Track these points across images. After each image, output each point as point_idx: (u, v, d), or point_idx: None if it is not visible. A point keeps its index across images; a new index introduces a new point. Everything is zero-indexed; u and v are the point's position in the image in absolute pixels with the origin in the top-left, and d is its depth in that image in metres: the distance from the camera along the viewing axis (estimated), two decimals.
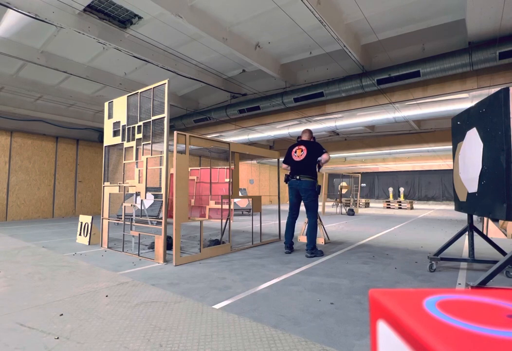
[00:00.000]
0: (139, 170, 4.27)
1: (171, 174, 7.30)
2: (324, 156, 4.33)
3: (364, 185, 24.53)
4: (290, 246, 4.49)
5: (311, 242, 4.24)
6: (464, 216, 10.52)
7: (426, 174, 23.40)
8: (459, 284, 3.01)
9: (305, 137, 4.58)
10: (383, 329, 0.36)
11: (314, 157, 4.35)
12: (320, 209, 12.92)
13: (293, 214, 4.56)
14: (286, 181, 4.52)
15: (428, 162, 17.53)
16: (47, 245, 4.94)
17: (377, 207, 19.14)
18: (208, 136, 10.04)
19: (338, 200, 12.87)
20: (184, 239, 5.62)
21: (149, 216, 4.32)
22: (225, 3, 4.52)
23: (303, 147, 4.41)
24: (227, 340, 1.80)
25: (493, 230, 6.07)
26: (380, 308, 0.37)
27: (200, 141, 4.24)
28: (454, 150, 3.52)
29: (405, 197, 23.10)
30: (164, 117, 3.95)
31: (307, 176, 4.29)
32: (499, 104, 2.48)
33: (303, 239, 5.57)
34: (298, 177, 4.31)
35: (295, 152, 4.47)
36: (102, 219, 4.87)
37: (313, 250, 4.22)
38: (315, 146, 4.42)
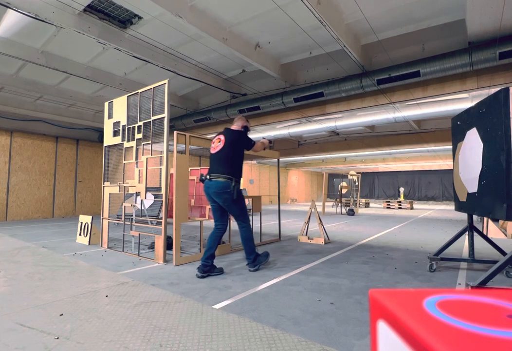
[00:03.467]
0: (139, 170, 4.27)
1: (171, 174, 7.30)
2: (255, 148, 3.55)
3: None
4: (203, 267, 3.20)
5: (250, 251, 3.40)
6: (464, 216, 10.52)
7: (426, 174, 23.42)
8: (459, 284, 3.01)
9: (233, 126, 3.58)
10: (383, 329, 0.36)
11: (235, 150, 3.36)
12: (320, 209, 12.94)
13: (217, 223, 3.44)
14: (201, 180, 3.42)
15: (428, 162, 17.53)
16: (47, 245, 4.94)
17: (377, 207, 19.14)
18: (208, 136, 10.04)
19: (338, 200, 12.87)
20: (184, 239, 5.62)
21: (149, 216, 4.32)
22: (225, 3, 4.52)
23: (221, 137, 3.42)
24: (227, 340, 1.80)
25: (493, 230, 6.07)
26: (380, 308, 0.37)
27: (200, 141, 4.24)
28: (454, 150, 3.52)
29: (405, 197, 23.14)
30: (164, 117, 3.95)
31: (219, 174, 3.26)
32: (499, 104, 2.48)
33: (303, 239, 5.57)
34: (209, 177, 3.32)
35: (213, 143, 3.51)
36: (102, 219, 4.87)
37: (254, 261, 3.41)
38: (239, 136, 3.42)
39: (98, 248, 4.77)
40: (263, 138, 3.74)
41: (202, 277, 3.19)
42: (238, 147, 3.38)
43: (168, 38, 5.41)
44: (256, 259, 3.42)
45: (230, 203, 3.29)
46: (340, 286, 2.90)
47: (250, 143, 3.48)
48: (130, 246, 4.56)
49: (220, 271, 3.37)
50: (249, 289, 2.80)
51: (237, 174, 3.34)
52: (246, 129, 3.58)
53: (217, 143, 3.42)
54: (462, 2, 4.27)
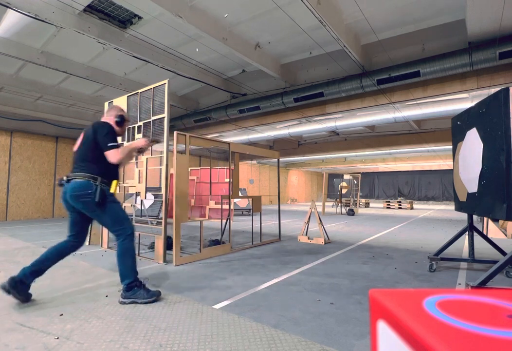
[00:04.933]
0: (139, 170, 4.27)
1: (171, 174, 7.30)
2: (108, 154, 2.47)
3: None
4: (17, 284, 2.31)
5: (126, 273, 2.47)
6: (464, 216, 10.52)
7: (426, 174, 23.42)
8: (459, 284, 3.01)
9: (104, 117, 2.79)
10: (383, 329, 0.36)
11: (94, 145, 2.52)
12: (320, 209, 12.93)
13: (70, 234, 2.59)
14: (59, 185, 2.58)
15: (428, 162, 17.54)
16: (47, 245, 4.94)
17: (377, 207, 19.14)
18: (208, 136, 10.04)
19: (338, 200, 12.87)
20: (184, 239, 5.62)
21: (149, 216, 4.32)
22: (225, 3, 4.52)
23: (84, 131, 2.69)
24: (227, 340, 1.81)
25: (493, 230, 6.07)
26: (380, 308, 0.37)
27: (200, 141, 4.24)
28: (454, 150, 3.52)
29: (405, 197, 23.20)
30: (164, 117, 3.95)
31: (78, 173, 2.49)
32: (499, 104, 2.48)
33: (303, 239, 5.57)
34: (65, 177, 2.54)
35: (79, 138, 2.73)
36: None
37: (130, 290, 2.43)
38: (99, 129, 2.55)
39: (98, 248, 4.77)
40: (142, 138, 2.82)
41: (25, 300, 2.40)
42: (97, 141, 2.54)
43: (168, 38, 5.41)
44: (133, 289, 2.44)
45: (94, 209, 2.47)
46: (340, 286, 2.90)
47: (106, 145, 2.47)
48: None
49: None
50: (249, 289, 2.80)
51: (105, 173, 2.54)
52: (121, 119, 2.72)
53: (79, 139, 2.68)
54: (462, 2, 4.27)
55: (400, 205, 17.12)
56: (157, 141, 2.92)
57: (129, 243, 2.56)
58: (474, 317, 0.33)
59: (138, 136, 4.32)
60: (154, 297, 2.46)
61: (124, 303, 2.41)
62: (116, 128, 2.69)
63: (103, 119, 2.74)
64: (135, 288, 2.44)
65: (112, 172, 2.60)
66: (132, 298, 2.43)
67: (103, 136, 2.51)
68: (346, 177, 14.19)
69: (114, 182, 2.59)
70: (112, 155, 2.48)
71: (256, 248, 4.89)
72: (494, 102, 2.57)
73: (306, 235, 5.62)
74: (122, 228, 2.57)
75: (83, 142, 2.61)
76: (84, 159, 2.56)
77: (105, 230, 4.80)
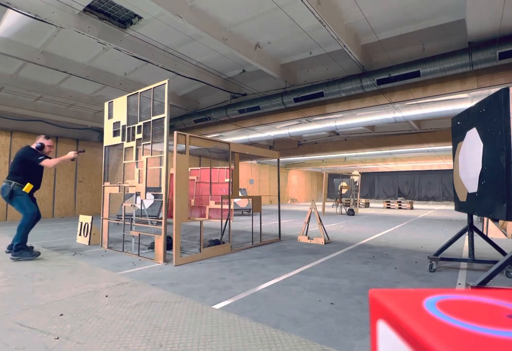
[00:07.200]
0: (139, 170, 4.27)
1: (171, 174, 7.30)
2: (46, 163, 4.08)
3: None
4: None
5: (18, 239, 3.89)
6: (464, 216, 10.52)
7: (426, 175, 23.42)
8: (459, 284, 3.01)
9: (33, 144, 4.27)
10: (383, 329, 0.36)
11: (20, 162, 4.04)
12: (320, 209, 12.94)
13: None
14: None
15: (428, 162, 17.55)
16: (47, 245, 4.94)
17: (377, 207, 19.14)
18: (208, 136, 10.04)
19: (338, 200, 12.87)
20: (184, 239, 5.62)
21: (149, 216, 4.32)
22: (225, 3, 4.52)
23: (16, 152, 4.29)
24: (227, 340, 1.80)
25: (493, 230, 6.07)
26: (380, 308, 0.37)
27: (200, 141, 4.24)
28: (454, 150, 3.52)
29: (405, 197, 23.21)
30: (164, 117, 3.95)
31: (5, 179, 4.06)
32: (499, 104, 2.48)
33: (303, 239, 5.57)
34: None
35: None
36: (102, 219, 4.87)
37: (17, 251, 3.83)
38: (25, 153, 4.09)
39: (98, 248, 4.77)
40: (74, 152, 4.29)
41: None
42: (22, 160, 4.06)
43: (168, 38, 5.40)
44: (19, 250, 3.85)
45: (9, 202, 4.07)
46: (340, 286, 2.90)
47: (36, 159, 4.07)
48: (130, 246, 4.56)
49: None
50: (249, 289, 2.80)
51: (20, 179, 4.01)
52: (41, 145, 4.19)
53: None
54: (462, 2, 4.27)
55: (400, 205, 17.12)
56: (83, 151, 4.60)
57: (28, 220, 3.96)
58: (474, 317, 0.33)
59: (138, 136, 4.32)
60: (34, 256, 3.88)
61: (14, 259, 3.77)
62: (43, 150, 4.21)
63: (32, 145, 4.20)
64: (20, 250, 3.83)
65: (24, 178, 4.03)
66: (18, 256, 3.79)
67: (31, 155, 4.06)
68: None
69: (27, 184, 4.03)
70: (46, 163, 4.08)
71: (256, 248, 4.89)
72: (494, 102, 2.57)
73: (306, 235, 5.62)
74: (23, 213, 3.98)
75: (13, 159, 4.09)
76: (9, 171, 4.09)
77: (105, 230, 4.81)
